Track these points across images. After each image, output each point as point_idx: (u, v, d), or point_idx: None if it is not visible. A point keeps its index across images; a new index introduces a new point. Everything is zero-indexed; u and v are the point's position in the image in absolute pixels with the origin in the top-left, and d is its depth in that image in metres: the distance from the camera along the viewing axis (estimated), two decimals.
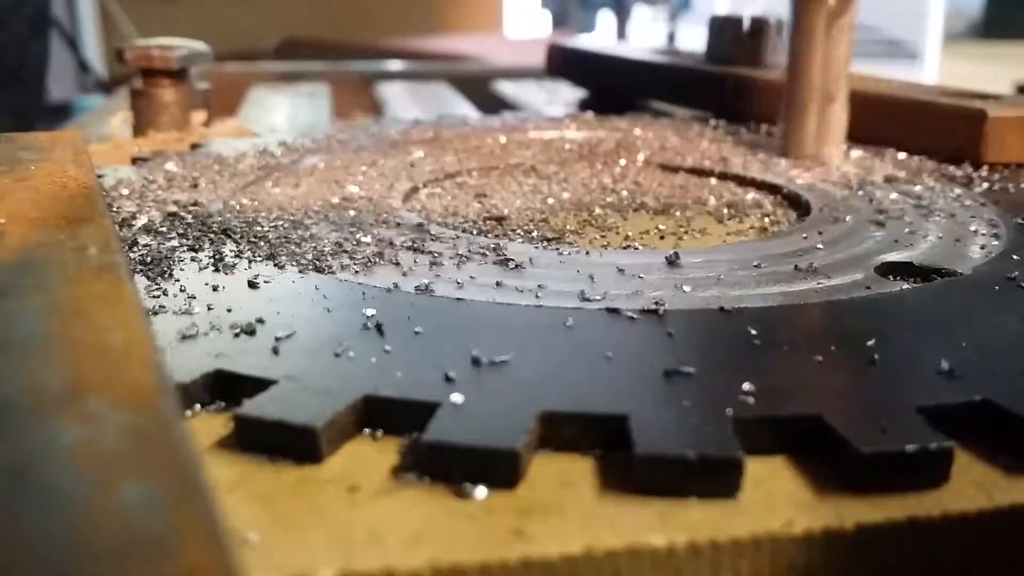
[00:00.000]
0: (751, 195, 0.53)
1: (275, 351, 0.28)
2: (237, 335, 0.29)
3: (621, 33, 3.20)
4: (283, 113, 0.93)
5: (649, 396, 0.25)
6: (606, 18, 3.62)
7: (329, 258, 0.37)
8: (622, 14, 3.29)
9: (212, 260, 0.36)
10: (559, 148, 0.63)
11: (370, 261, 0.37)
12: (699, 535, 0.21)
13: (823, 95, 0.55)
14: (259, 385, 0.26)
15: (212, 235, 0.40)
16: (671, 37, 3.02)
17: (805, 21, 0.55)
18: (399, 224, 0.43)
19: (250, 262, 0.36)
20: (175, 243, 0.38)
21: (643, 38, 3.26)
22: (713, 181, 0.56)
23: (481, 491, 0.22)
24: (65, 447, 0.17)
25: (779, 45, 0.79)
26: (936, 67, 1.92)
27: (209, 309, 0.31)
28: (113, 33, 2.19)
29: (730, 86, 0.75)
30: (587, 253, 0.39)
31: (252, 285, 0.34)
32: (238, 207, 0.45)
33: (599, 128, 0.70)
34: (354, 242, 0.39)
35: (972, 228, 0.43)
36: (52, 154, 0.42)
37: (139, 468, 0.16)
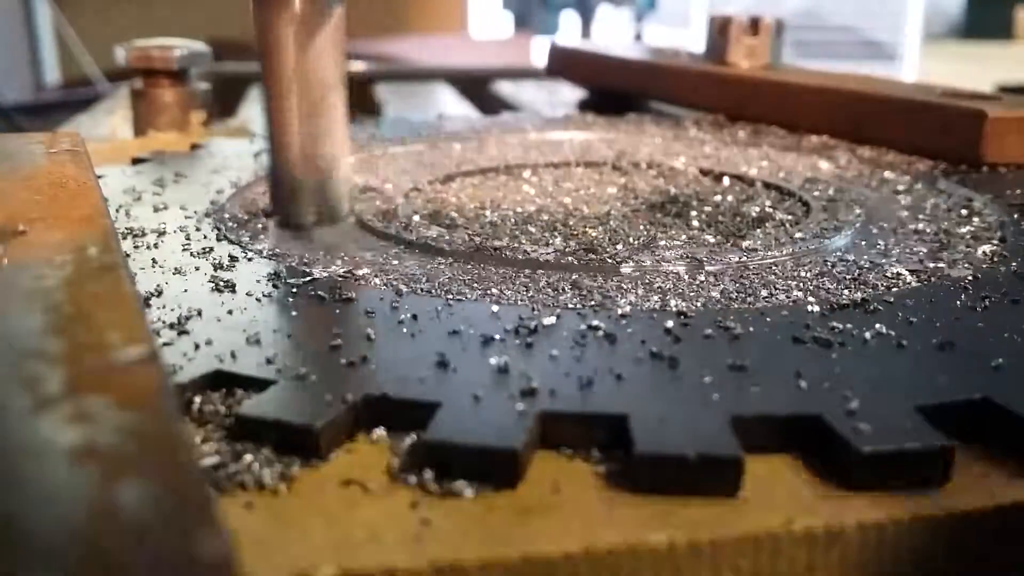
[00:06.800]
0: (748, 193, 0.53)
1: (271, 354, 0.28)
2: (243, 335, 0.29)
3: (585, 34, 3.18)
4: None
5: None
6: (569, 19, 3.55)
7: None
8: (586, 15, 3.26)
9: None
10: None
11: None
12: (699, 534, 0.21)
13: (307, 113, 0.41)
14: (259, 385, 0.26)
15: None
16: (637, 37, 3.01)
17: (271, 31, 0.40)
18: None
19: None
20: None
21: (608, 38, 3.24)
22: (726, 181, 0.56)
23: (469, 491, 0.22)
24: (64, 447, 0.17)
25: (779, 45, 0.79)
26: (915, 68, 1.91)
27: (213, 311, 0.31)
28: (64, 38, 2.17)
29: (730, 86, 0.75)
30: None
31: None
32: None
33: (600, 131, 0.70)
34: None
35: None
36: (52, 154, 0.42)
37: (139, 468, 0.16)
